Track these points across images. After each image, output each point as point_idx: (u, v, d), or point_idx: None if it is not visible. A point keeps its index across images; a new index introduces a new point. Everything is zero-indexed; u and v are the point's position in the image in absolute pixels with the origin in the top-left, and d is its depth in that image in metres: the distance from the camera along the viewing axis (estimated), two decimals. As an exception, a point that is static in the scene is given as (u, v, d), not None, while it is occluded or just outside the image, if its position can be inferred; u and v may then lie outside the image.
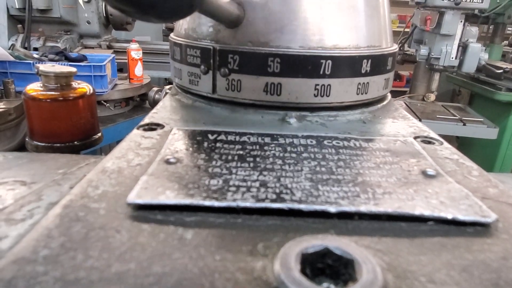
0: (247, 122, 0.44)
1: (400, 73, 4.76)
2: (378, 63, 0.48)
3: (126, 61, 2.24)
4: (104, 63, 1.99)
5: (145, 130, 0.40)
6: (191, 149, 0.35)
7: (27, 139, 0.59)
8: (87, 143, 0.60)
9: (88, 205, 0.26)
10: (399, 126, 0.45)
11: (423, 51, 2.46)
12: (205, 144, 0.36)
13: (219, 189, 0.28)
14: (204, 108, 0.48)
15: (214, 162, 0.33)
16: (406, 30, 2.87)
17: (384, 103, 0.53)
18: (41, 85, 0.58)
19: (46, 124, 0.57)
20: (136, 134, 0.39)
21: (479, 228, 0.26)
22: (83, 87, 0.60)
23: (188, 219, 0.25)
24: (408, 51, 2.87)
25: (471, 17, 2.57)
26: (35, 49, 2.34)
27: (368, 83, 0.47)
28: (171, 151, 0.34)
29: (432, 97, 2.57)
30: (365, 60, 0.46)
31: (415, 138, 0.41)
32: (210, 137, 0.38)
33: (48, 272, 0.20)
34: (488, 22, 2.69)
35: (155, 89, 2.24)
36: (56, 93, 0.57)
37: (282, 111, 0.46)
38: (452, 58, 2.42)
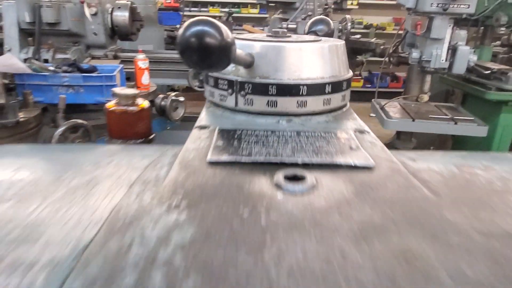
0: (257, 123, 0.82)
1: (397, 74, 5.15)
2: (337, 86, 0.86)
3: (133, 70, 2.63)
4: (114, 73, 2.37)
5: (200, 129, 0.78)
6: (227, 138, 0.73)
7: (106, 138, 0.97)
8: (145, 141, 0.97)
9: (191, 162, 0.63)
10: (348, 124, 0.83)
11: (415, 54, 2.85)
12: (235, 135, 0.74)
13: (247, 154, 0.66)
14: (230, 116, 0.86)
15: (241, 144, 0.70)
16: (400, 32, 3.26)
17: (344, 110, 0.91)
18: (116, 102, 0.95)
19: (120, 129, 0.94)
20: (195, 132, 0.77)
21: (366, 169, 0.63)
22: (143, 103, 0.98)
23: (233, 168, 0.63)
24: (403, 53, 3.26)
25: (461, 20, 2.96)
26: (45, 60, 2.72)
27: (330, 98, 0.85)
28: (217, 139, 0.72)
29: (425, 97, 2.96)
30: (327, 85, 0.84)
31: (354, 131, 0.79)
32: (238, 132, 0.76)
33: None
34: (478, 25, 3.08)
35: (161, 96, 2.63)
36: (126, 108, 0.94)
37: (278, 116, 0.84)
38: (442, 60, 2.80)
